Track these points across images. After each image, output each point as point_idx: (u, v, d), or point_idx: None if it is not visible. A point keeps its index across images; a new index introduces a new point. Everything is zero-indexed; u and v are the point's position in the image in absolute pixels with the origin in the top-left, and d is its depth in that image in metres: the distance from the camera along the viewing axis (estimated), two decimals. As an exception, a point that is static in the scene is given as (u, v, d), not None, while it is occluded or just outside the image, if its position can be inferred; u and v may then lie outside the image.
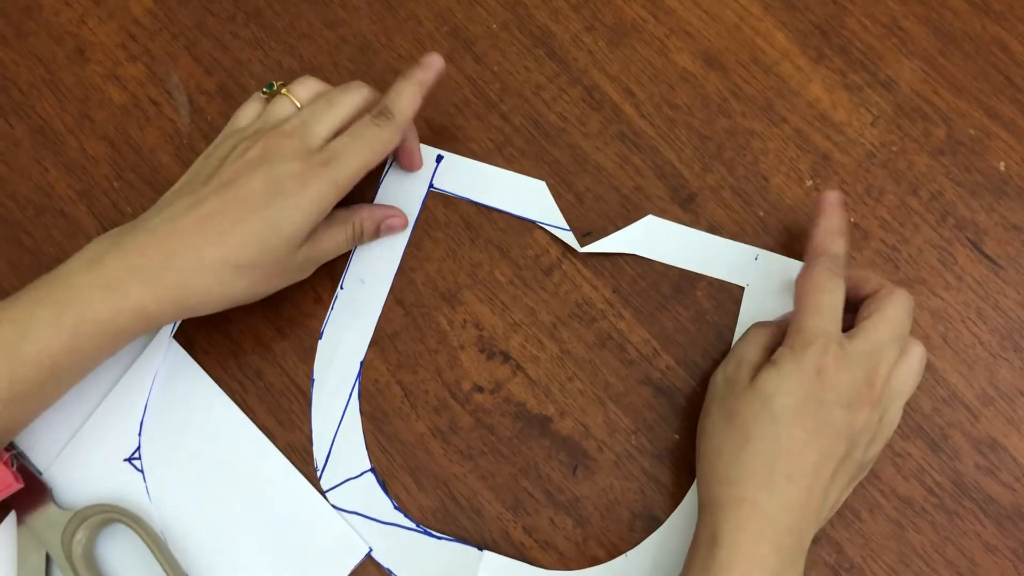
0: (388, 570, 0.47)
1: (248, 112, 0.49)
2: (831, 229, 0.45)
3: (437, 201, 0.52)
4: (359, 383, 0.50)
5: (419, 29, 0.55)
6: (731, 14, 0.54)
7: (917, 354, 0.44)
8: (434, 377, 0.50)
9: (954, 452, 0.48)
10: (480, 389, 0.50)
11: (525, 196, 0.52)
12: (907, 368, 0.43)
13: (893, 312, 0.43)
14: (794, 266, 0.50)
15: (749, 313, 0.50)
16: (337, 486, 0.49)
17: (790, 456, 0.41)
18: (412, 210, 0.52)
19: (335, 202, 0.46)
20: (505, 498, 0.48)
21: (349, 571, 0.47)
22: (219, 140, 0.48)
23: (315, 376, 0.50)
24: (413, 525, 0.48)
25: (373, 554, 0.48)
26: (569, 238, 0.51)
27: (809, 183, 0.52)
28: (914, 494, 0.48)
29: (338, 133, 0.47)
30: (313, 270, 0.48)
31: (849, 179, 0.52)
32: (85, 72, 0.55)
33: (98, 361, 0.44)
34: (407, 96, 0.48)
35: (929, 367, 0.49)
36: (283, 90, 0.48)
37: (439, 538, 0.48)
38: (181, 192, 0.45)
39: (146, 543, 0.47)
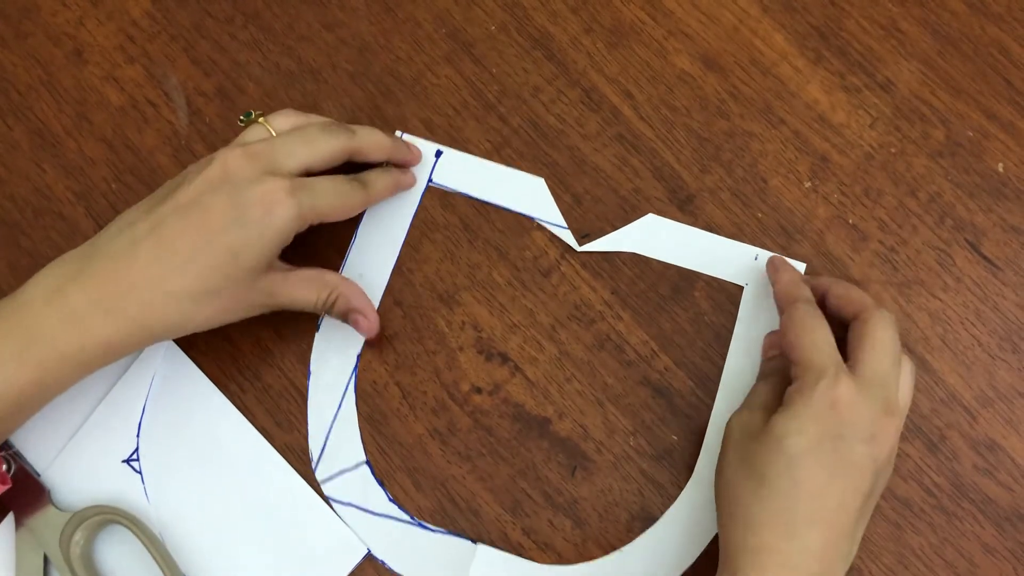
0: (382, 562, 0.48)
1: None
2: (791, 280, 0.46)
3: (435, 202, 0.52)
4: (355, 375, 0.50)
5: (418, 31, 0.55)
6: (730, 16, 0.54)
7: (911, 368, 0.43)
8: (432, 378, 0.50)
9: (952, 453, 0.48)
10: (479, 390, 0.50)
11: (523, 193, 0.52)
12: (906, 386, 0.43)
13: (885, 334, 0.42)
14: (794, 267, 0.50)
15: (748, 312, 0.50)
16: (332, 478, 0.49)
17: (811, 499, 0.39)
18: (410, 205, 0.52)
19: (296, 231, 0.45)
20: (504, 499, 0.48)
21: (348, 572, 0.47)
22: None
23: (312, 368, 0.50)
24: (408, 518, 0.48)
25: (359, 533, 0.48)
26: (567, 236, 0.51)
27: (808, 184, 0.52)
28: (912, 495, 0.48)
29: (308, 175, 0.46)
30: (271, 311, 0.47)
31: (847, 180, 0.52)
32: (83, 74, 0.55)
33: (63, 391, 0.43)
34: (385, 179, 0.49)
35: (928, 368, 0.49)
36: (260, 119, 0.47)
37: (433, 531, 0.48)
38: (140, 210, 0.44)
39: (144, 544, 0.47)
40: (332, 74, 0.54)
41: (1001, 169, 0.52)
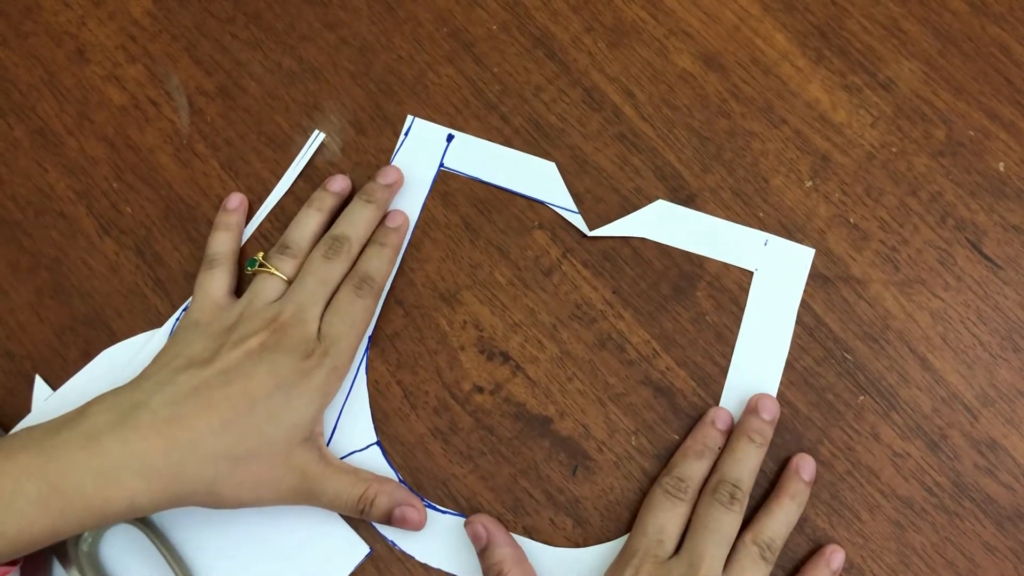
0: (392, 543, 0.48)
1: (218, 284, 0.49)
2: (687, 449, 0.47)
3: (437, 201, 0.52)
4: (367, 356, 0.50)
5: (419, 30, 0.55)
6: (731, 15, 0.54)
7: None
8: (434, 378, 0.50)
9: (953, 452, 0.48)
10: (480, 390, 0.50)
11: (535, 177, 0.52)
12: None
13: (715, 523, 0.44)
14: (804, 252, 0.50)
15: (759, 297, 0.50)
16: (342, 459, 0.49)
17: None
18: (422, 190, 0.52)
19: (339, 385, 0.47)
20: (505, 499, 0.48)
21: (349, 572, 0.47)
22: (198, 313, 0.48)
23: None
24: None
25: (377, 527, 0.48)
26: (578, 220, 0.51)
27: (809, 184, 0.52)
28: (914, 494, 0.48)
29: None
30: (304, 503, 0.46)
31: (849, 180, 0.52)
32: (85, 73, 0.55)
33: (74, 534, 0.42)
34: (384, 259, 0.50)
35: (929, 367, 0.49)
36: (265, 265, 0.48)
37: (444, 512, 0.48)
38: (179, 367, 0.45)
39: (156, 545, 0.47)
40: (333, 73, 0.54)
41: (1002, 168, 0.52)
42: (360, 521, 0.48)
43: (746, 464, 0.46)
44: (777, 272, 0.50)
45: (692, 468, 0.46)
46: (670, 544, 0.44)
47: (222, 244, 0.51)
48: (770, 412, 0.47)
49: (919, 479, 0.48)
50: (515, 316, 0.51)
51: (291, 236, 0.50)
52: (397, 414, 0.50)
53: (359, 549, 0.48)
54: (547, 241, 0.51)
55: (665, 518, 0.45)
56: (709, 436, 0.47)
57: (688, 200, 0.51)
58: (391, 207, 0.52)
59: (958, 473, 0.48)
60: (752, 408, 0.47)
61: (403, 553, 0.48)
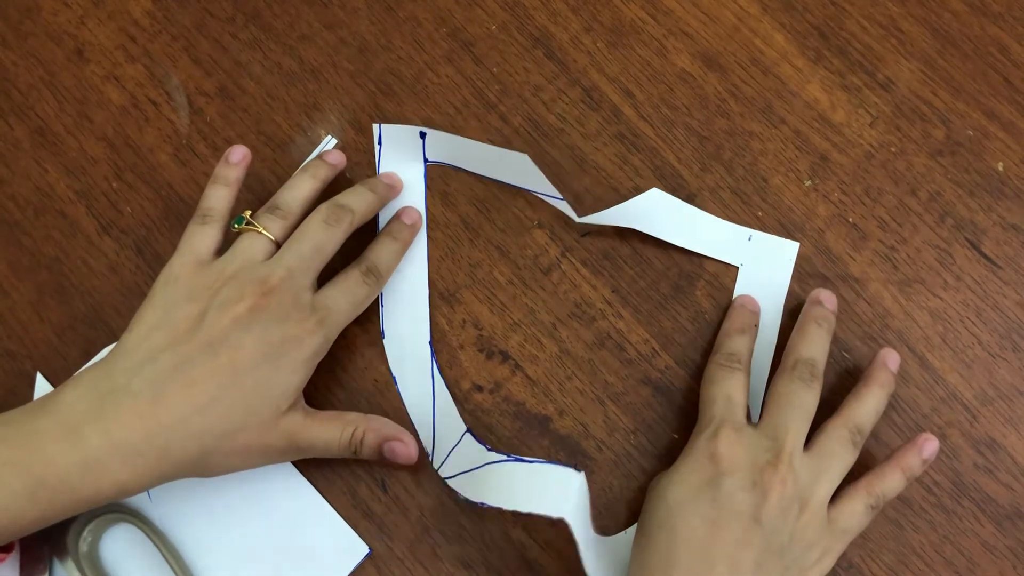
0: (481, 504, 0.44)
1: (206, 241, 0.46)
2: (728, 329, 0.48)
3: (436, 200, 0.52)
4: (435, 359, 0.50)
5: (418, 30, 0.55)
6: (730, 15, 0.54)
7: (846, 449, 0.44)
8: (433, 377, 0.50)
9: (952, 451, 0.48)
10: (479, 388, 0.50)
11: (511, 169, 0.51)
12: (835, 463, 0.44)
13: (796, 399, 0.44)
14: (788, 246, 0.50)
15: (743, 293, 0.50)
16: (444, 460, 0.48)
17: (688, 547, 0.40)
18: (419, 189, 0.52)
19: (322, 356, 0.45)
20: (504, 498, 0.48)
21: (348, 572, 0.47)
22: (179, 268, 0.45)
23: (394, 373, 0.50)
24: (504, 457, 0.46)
25: (465, 494, 0.45)
26: (564, 207, 0.50)
27: (808, 183, 0.52)
28: (913, 493, 0.48)
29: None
30: (294, 458, 0.47)
31: (848, 179, 0.52)
32: (84, 73, 0.55)
33: (62, 519, 0.42)
34: (394, 253, 0.49)
35: (928, 367, 0.49)
36: (252, 224, 0.46)
37: (532, 462, 0.45)
38: (160, 343, 0.42)
39: (156, 545, 0.47)
40: (333, 73, 0.54)
41: (1001, 168, 0.52)
42: (359, 520, 0.48)
43: (818, 345, 0.46)
44: (762, 268, 0.50)
45: (738, 343, 0.47)
46: (741, 410, 0.45)
47: (218, 200, 0.47)
48: (831, 303, 0.48)
49: (918, 478, 0.48)
50: (514, 315, 0.51)
51: (282, 198, 0.48)
52: (397, 414, 0.50)
53: (359, 549, 0.48)
54: (546, 240, 0.51)
55: (729, 386, 0.45)
56: (745, 316, 0.49)
57: (687, 199, 0.51)
58: (399, 208, 0.52)
59: (957, 472, 0.48)
60: (815, 300, 0.48)
61: (403, 553, 0.48)
